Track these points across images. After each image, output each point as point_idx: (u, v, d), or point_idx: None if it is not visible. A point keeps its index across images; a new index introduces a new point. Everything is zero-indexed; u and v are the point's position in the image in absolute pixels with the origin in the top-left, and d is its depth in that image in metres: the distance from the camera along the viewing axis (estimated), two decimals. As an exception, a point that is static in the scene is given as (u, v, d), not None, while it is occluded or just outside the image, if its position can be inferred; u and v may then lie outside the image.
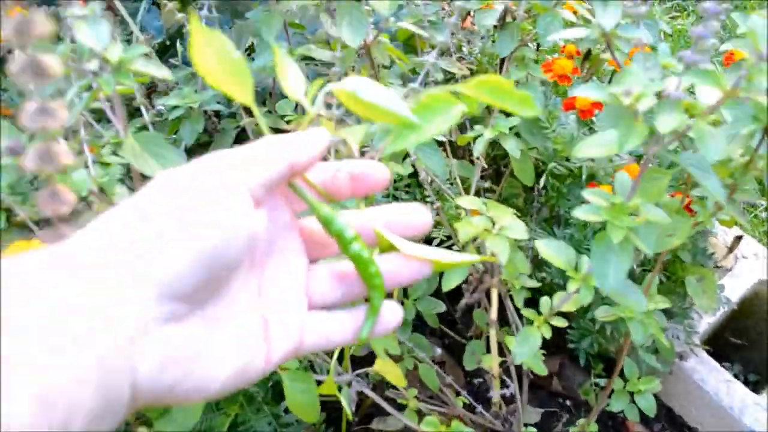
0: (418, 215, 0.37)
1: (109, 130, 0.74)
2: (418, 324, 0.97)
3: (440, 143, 0.86)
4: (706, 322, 1.08)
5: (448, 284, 0.69)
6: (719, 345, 1.14)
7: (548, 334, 0.67)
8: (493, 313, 0.67)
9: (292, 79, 0.38)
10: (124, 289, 0.27)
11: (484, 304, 0.90)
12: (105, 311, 0.26)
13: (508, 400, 0.85)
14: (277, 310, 0.34)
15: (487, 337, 0.99)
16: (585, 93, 0.55)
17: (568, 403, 1.14)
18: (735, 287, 1.11)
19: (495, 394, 0.79)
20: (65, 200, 0.29)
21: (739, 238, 0.94)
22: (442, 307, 0.93)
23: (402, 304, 0.93)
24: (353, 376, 0.76)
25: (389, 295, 0.38)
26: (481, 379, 1.10)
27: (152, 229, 0.28)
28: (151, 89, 0.94)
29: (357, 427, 1.03)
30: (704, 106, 0.53)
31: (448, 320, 1.08)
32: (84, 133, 0.72)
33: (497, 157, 1.09)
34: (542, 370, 0.77)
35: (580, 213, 0.58)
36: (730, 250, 0.95)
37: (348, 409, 0.72)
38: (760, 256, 1.18)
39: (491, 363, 0.77)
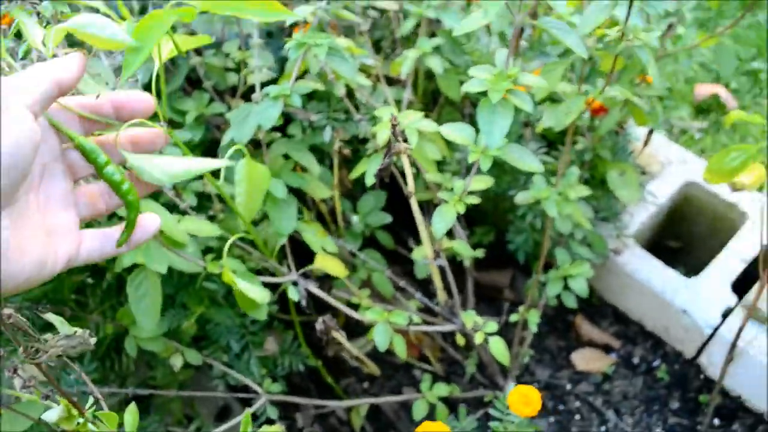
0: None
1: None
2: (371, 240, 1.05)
3: (374, 76, 0.96)
4: (638, 221, 1.17)
5: (356, 173, 0.78)
6: (660, 251, 1.21)
7: (462, 210, 0.74)
8: (410, 184, 0.75)
9: (31, 32, 0.49)
10: None
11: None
12: None
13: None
14: (55, 224, 0.43)
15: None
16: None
17: (520, 309, 1.23)
18: (662, 187, 1.19)
19: (436, 279, 0.87)
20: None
21: (650, 132, 1.02)
22: (388, 218, 1.01)
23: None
24: (298, 275, 0.84)
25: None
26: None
27: None
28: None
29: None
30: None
31: (397, 236, 1.16)
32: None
33: (435, 91, 1.17)
34: (469, 252, 0.86)
35: (468, 87, 0.66)
36: (645, 144, 1.03)
37: (298, 299, 0.81)
38: (688, 161, 1.26)
39: (425, 252, 0.85)
